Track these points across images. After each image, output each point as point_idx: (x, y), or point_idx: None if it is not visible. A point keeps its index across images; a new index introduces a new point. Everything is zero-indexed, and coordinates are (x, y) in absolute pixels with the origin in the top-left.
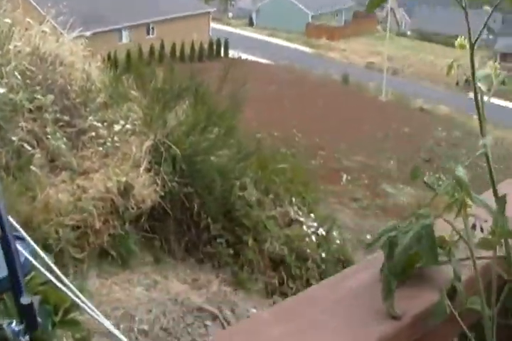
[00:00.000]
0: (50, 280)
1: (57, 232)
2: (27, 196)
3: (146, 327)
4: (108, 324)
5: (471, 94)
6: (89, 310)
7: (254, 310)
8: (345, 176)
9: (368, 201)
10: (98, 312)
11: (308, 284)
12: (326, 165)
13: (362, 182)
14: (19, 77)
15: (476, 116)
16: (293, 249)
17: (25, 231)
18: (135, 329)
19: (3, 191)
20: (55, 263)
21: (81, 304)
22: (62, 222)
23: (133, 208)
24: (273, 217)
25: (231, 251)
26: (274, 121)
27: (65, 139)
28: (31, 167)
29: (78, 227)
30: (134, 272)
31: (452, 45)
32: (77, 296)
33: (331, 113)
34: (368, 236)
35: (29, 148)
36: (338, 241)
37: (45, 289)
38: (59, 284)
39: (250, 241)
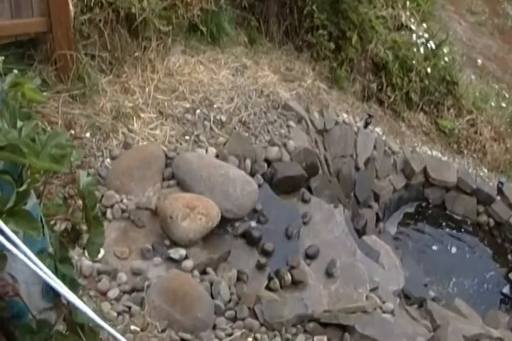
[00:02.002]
0: None
1: (141, 1)
2: None
3: (223, 118)
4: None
5: None
6: None
7: (345, 115)
8: None
9: (486, 17)
10: None
11: (407, 97)
12: None
13: None
14: None
15: None
16: (398, 57)
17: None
18: (211, 117)
19: None
20: (138, 33)
21: None
22: None
23: None
24: (382, 17)
25: (332, 46)
26: None
27: None
28: None
29: None
30: (224, 52)
31: None
32: None
33: None
34: (479, 61)
35: None
36: (446, 59)
37: None
38: None
39: (354, 38)
